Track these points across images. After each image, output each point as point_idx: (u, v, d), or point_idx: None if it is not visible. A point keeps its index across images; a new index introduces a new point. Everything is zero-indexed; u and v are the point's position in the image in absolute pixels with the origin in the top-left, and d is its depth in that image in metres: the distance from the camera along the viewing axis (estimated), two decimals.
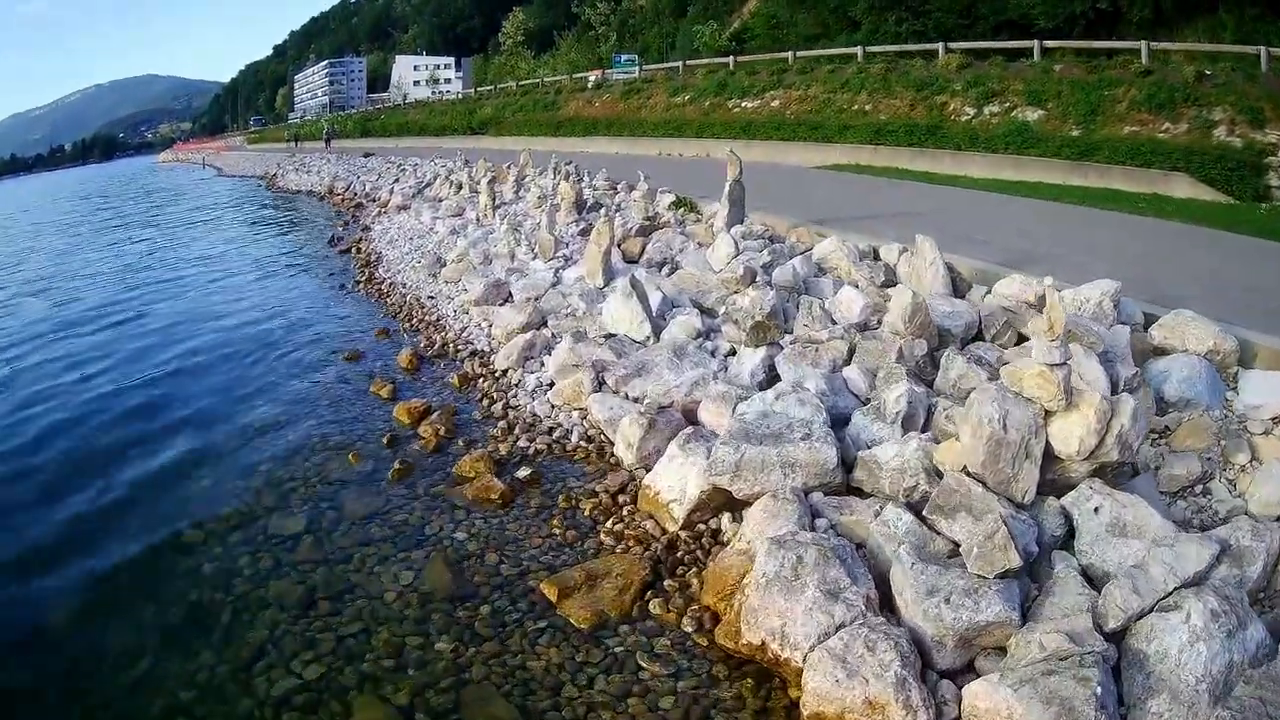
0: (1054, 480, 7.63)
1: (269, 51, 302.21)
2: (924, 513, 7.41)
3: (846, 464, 8.53)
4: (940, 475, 7.75)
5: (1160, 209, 20.23)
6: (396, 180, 43.87)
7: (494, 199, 26.19)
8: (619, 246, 17.38)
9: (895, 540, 7.28)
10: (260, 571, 8.86)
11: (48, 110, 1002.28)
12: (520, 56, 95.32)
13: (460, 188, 32.32)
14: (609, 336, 13.29)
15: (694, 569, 8.19)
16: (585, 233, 20.24)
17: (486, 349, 15.25)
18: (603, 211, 20.97)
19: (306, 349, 17.32)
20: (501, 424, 12.08)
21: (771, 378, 10.84)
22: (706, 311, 13.62)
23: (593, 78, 61.20)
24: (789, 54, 44.57)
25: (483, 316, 16.52)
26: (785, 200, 20.90)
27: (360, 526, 9.70)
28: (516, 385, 13.32)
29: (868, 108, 35.92)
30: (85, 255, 38.02)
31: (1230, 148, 23.57)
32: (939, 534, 7.30)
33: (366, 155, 62.65)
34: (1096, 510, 7.20)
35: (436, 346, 16.05)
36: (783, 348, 11.28)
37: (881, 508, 7.79)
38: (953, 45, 36.33)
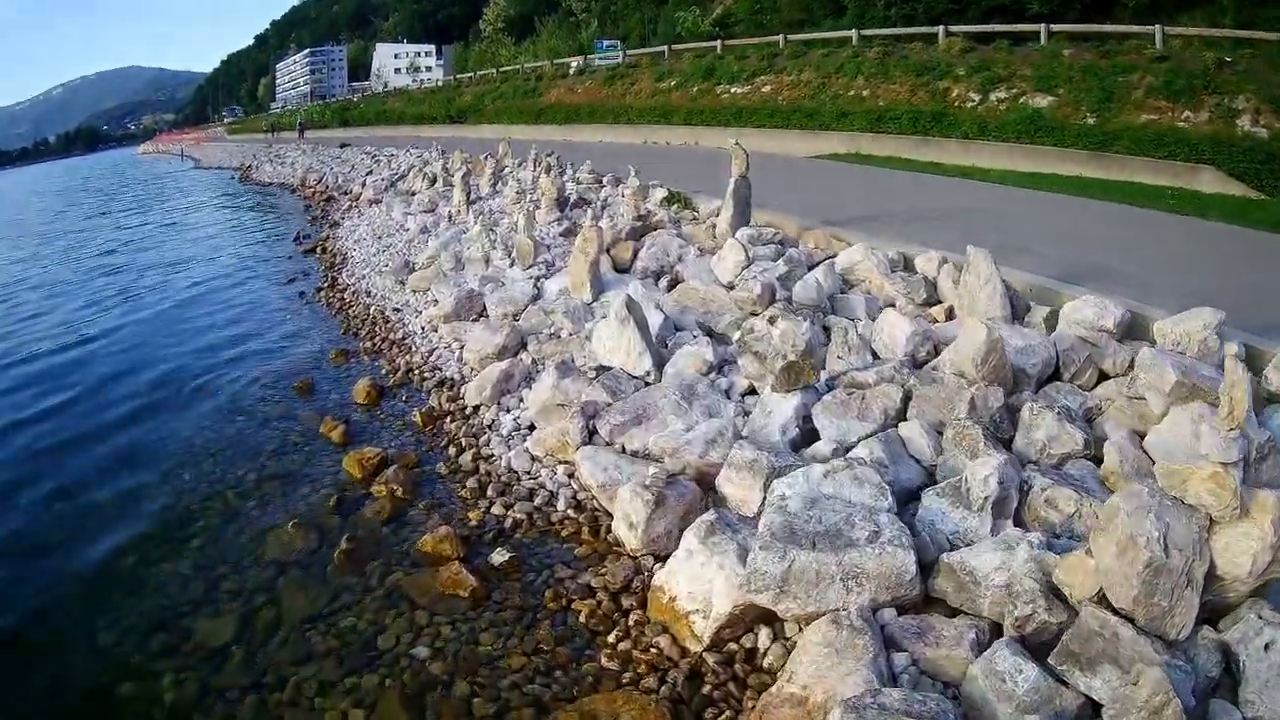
0: (1207, 602, 5.66)
1: (250, 41, 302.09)
2: (1050, 660, 5.43)
3: (923, 565, 6.45)
4: (1061, 596, 5.76)
5: (1195, 206, 18.51)
6: (369, 172, 41.69)
7: (469, 194, 24.09)
8: (608, 252, 15.19)
9: (1013, 701, 5.26)
10: (184, 700, 6.99)
11: (31, 104, 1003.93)
12: (501, 44, 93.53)
13: (434, 181, 30.26)
14: (601, 369, 11.19)
15: (728, 712, 6.18)
16: (569, 234, 18.27)
17: (456, 376, 13.15)
18: (588, 213, 19.10)
19: (254, 379, 15.10)
20: (471, 483, 9.89)
21: (807, 431, 8.81)
22: (717, 337, 11.57)
23: (574, 63, 59.26)
24: (779, 38, 42.43)
25: (453, 335, 14.41)
26: (788, 195, 18.93)
27: (300, 635, 7.61)
28: (490, 428, 11.20)
29: (865, 93, 33.74)
30: (41, 263, 35.74)
31: (1256, 139, 21.74)
32: (1069, 686, 5.31)
33: (342, 146, 60.36)
34: (1268, 648, 5.37)
35: (399, 373, 13.93)
36: (819, 392, 9.24)
37: (978, 634, 5.87)
38: (954, 29, 34.17)
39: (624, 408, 9.77)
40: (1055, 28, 30.67)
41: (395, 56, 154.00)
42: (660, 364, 10.77)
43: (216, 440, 12.47)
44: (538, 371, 11.99)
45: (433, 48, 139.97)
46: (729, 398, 9.90)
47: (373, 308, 17.80)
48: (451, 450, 10.81)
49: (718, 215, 16.88)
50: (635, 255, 15.33)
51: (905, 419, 8.65)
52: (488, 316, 14.51)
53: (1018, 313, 10.78)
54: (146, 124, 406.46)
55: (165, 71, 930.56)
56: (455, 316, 14.82)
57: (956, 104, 29.77)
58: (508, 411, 11.37)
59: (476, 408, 11.72)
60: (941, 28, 34.18)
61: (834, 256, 13.69)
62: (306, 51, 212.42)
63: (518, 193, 22.43)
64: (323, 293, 20.68)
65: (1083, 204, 18.62)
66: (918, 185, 21.60)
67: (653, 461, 8.85)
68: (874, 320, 11.10)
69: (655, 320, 11.60)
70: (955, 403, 8.41)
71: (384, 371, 14.25)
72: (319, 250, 26.62)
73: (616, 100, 48.22)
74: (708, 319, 11.88)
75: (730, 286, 12.98)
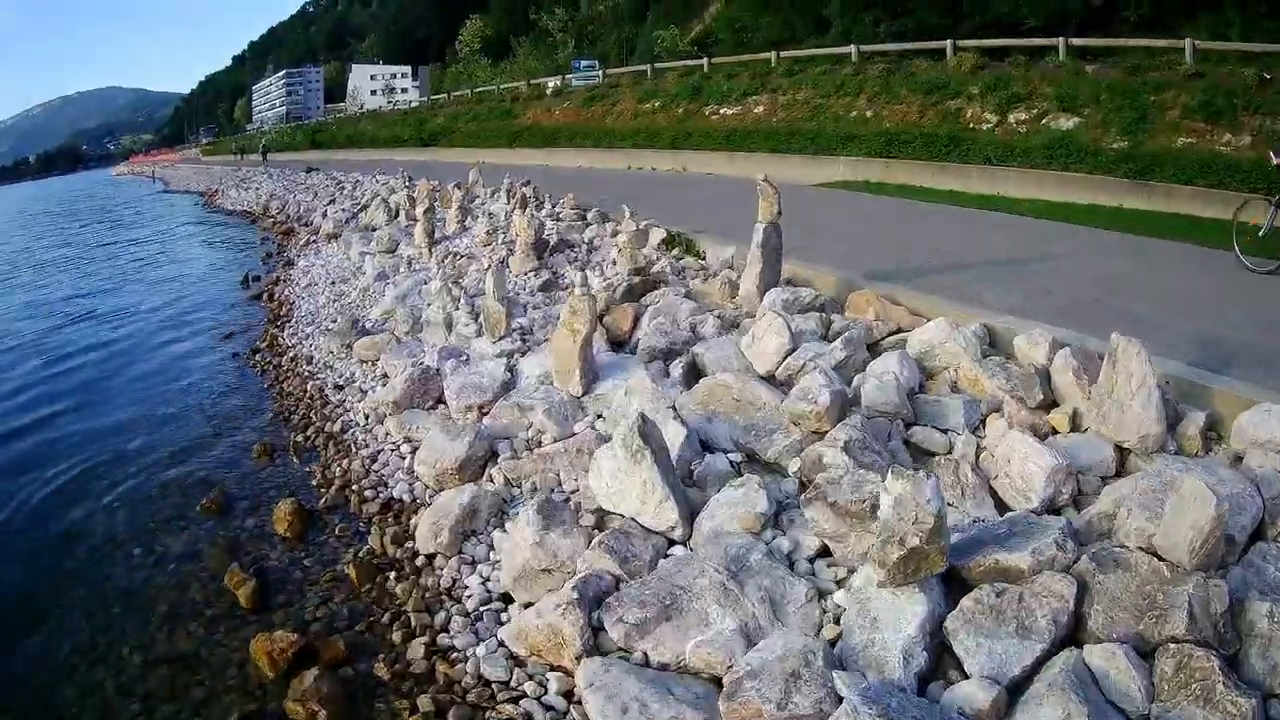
0: None
1: (229, 62, 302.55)
2: None
3: None
4: None
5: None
6: (331, 201, 38.39)
7: (432, 232, 20.94)
8: (601, 320, 11.94)
9: None
10: None
11: (11, 123, 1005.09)
12: (478, 64, 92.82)
13: (395, 214, 27.04)
14: (602, 514, 8.02)
15: None
16: (548, 287, 15.33)
17: (405, 497, 9.90)
18: (572, 263, 16.04)
19: (157, 488, 11.79)
20: (425, 702, 6.53)
21: (938, 651, 5.73)
22: (767, 466, 8.42)
23: (552, 84, 56.83)
24: (771, 54, 39.62)
25: (402, 433, 11.13)
26: (807, 236, 15.85)
27: None
28: (449, 595, 7.96)
29: (869, 114, 30.97)
30: None
31: None
32: None
33: (309, 170, 56.94)
34: None
35: (333, 488, 10.61)
36: (944, 588, 6.10)
37: None
38: (963, 44, 31.29)
39: (643, 594, 6.53)
40: (1075, 42, 28.02)
41: (371, 78, 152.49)
42: (690, 514, 7.55)
43: (91, 598, 9.16)
44: (512, 504, 8.90)
45: (409, 69, 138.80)
46: (793, 571, 6.76)
47: (311, 383, 14.53)
48: (397, 635, 7.54)
49: (730, 267, 14.09)
50: (636, 323, 12.15)
51: (1082, 625, 5.69)
52: (447, 406, 11.33)
53: (1169, 421, 7.91)
54: (126, 144, 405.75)
55: (145, 92, 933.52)
56: (407, 403, 11.63)
57: (971, 125, 27.18)
58: (473, 566, 8.20)
59: (431, 558, 8.50)
60: (949, 43, 31.24)
61: (899, 332, 10.75)
62: (283, 73, 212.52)
63: (488, 231, 19.45)
64: (259, 355, 17.52)
65: (1145, 245, 15.89)
66: (951, 221, 18.77)
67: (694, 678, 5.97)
68: (972, 432, 8.35)
69: (675, 436, 8.44)
70: (1160, 604, 5.53)
71: (315, 483, 11.02)
72: (266, 297, 23.46)
73: (597, 122, 45.39)
74: (750, 438, 8.60)
75: (771, 378, 9.90)
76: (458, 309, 13.89)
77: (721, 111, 38.03)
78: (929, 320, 10.64)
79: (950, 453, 8.24)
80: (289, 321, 19.41)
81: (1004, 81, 27.40)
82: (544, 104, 53.20)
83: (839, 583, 6.66)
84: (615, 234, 18.12)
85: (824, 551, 6.97)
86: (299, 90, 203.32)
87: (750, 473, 8.18)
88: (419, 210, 21.32)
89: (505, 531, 8.34)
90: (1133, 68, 25.13)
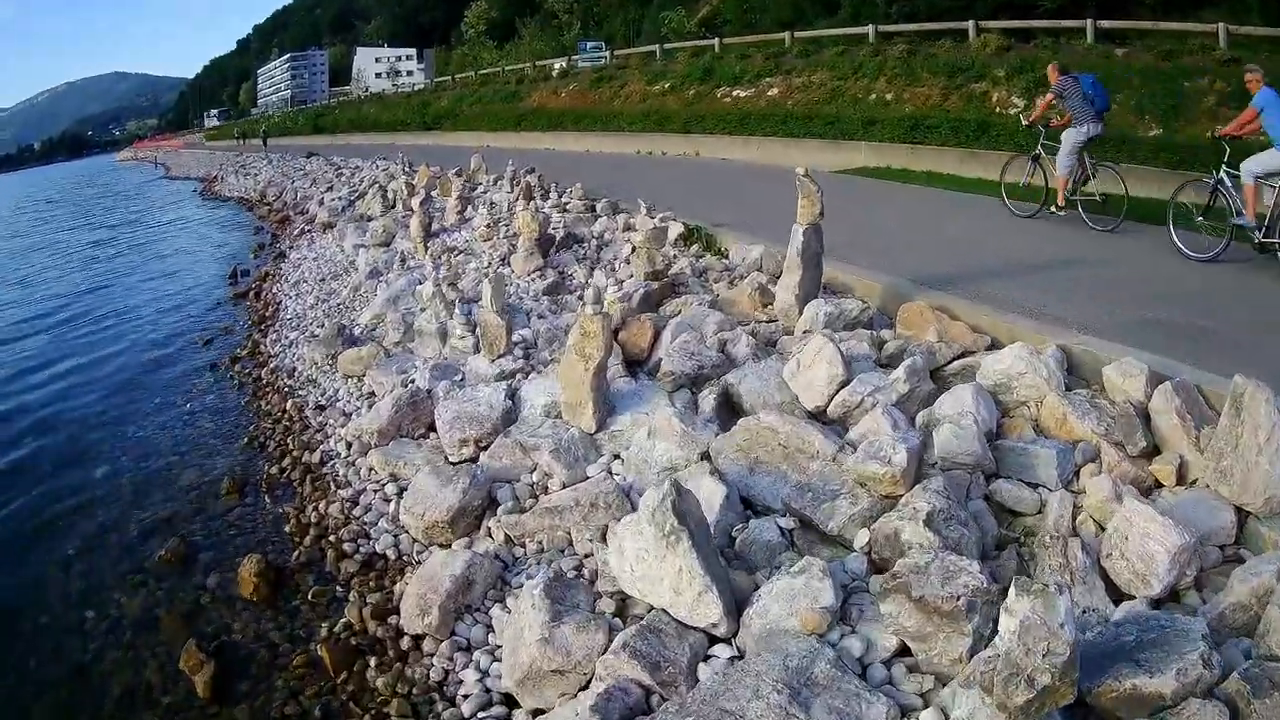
0: None
1: (233, 46, 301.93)
2: None
3: None
4: None
5: None
6: (329, 188, 36.85)
7: (428, 225, 19.35)
8: (616, 336, 10.37)
9: None
10: None
11: (15, 111, 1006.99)
12: (483, 46, 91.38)
13: (392, 204, 25.42)
14: (624, 599, 6.55)
15: None
16: (554, 290, 13.85)
17: (389, 553, 8.42)
18: (580, 261, 14.60)
19: (113, 534, 10.37)
20: None
21: None
22: (826, 537, 6.87)
23: (558, 65, 55.10)
24: (785, 35, 38.02)
25: (387, 470, 9.64)
26: (837, 231, 13.93)
27: None
28: (440, 696, 6.47)
29: (888, 97, 29.51)
30: None
31: None
32: None
33: (309, 156, 55.46)
34: None
35: (308, 538, 9.10)
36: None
37: None
38: (985, 24, 29.92)
39: (683, 712, 4.99)
40: (1103, 25, 26.73)
41: (376, 60, 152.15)
42: (736, 604, 6.00)
43: (42, 676, 7.84)
44: (514, 569, 7.52)
45: (414, 51, 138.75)
46: (866, 674, 5.35)
47: (291, 401, 12.96)
48: None
49: (759, 269, 12.71)
50: (656, 339, 10.57)
51: None
52: (438, 436, 9.83)
53: None
54: (131, 129, 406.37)
55: (149, 77, 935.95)
56: (393, 432, 10.16)
57: (997, 109, 25.79)
58: (469, 654, 6.73)
59: (418, 639, 7.01)
60: (972, 23, 29.96)
61: (963, 356, 9.29)
62: (287, 56, 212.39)
63: (489, 225, 17.89)
64: (239, 366, 15.99)
65: None
66: (991, 215, 17.18)
67: None
68: (1066, 487, 7.04)
69: (712, 496, 7.00)
70: None
71: (289, 529, 9.50)
72: (252, 295, 21.98)
73: (605, 105, 43.92)
74: (806, 502, 7.01)
75: (820, 413, 8.47)
76: (453, 317, 12.37)
77: (734, 93, 36.50)
78: (989, 336, 9.50)
79: (1041, 512, 6.91)
80: (274, 325, 17.92)
81: (1030, 64, 26.03)
82: (550, 86, 51.64)
83: (924, 696, 5.21)
84: (628, 228, 16.66)
85: (901, 649, 5.52)
86: (304, 74, 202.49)
87: (804, 539, 6.84)
88: (414, 201, 19.79)
89: (506, 608, 6.91)
90: (1165, 53, 24.05)
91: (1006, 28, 29.08)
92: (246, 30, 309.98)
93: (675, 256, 14.29)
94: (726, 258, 14.31)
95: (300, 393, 13.18)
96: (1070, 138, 15.92)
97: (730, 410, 8.86)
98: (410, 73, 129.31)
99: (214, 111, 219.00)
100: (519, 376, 10.64)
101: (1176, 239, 13.44)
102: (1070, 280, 11.46)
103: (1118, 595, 5.97)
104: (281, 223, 35.02)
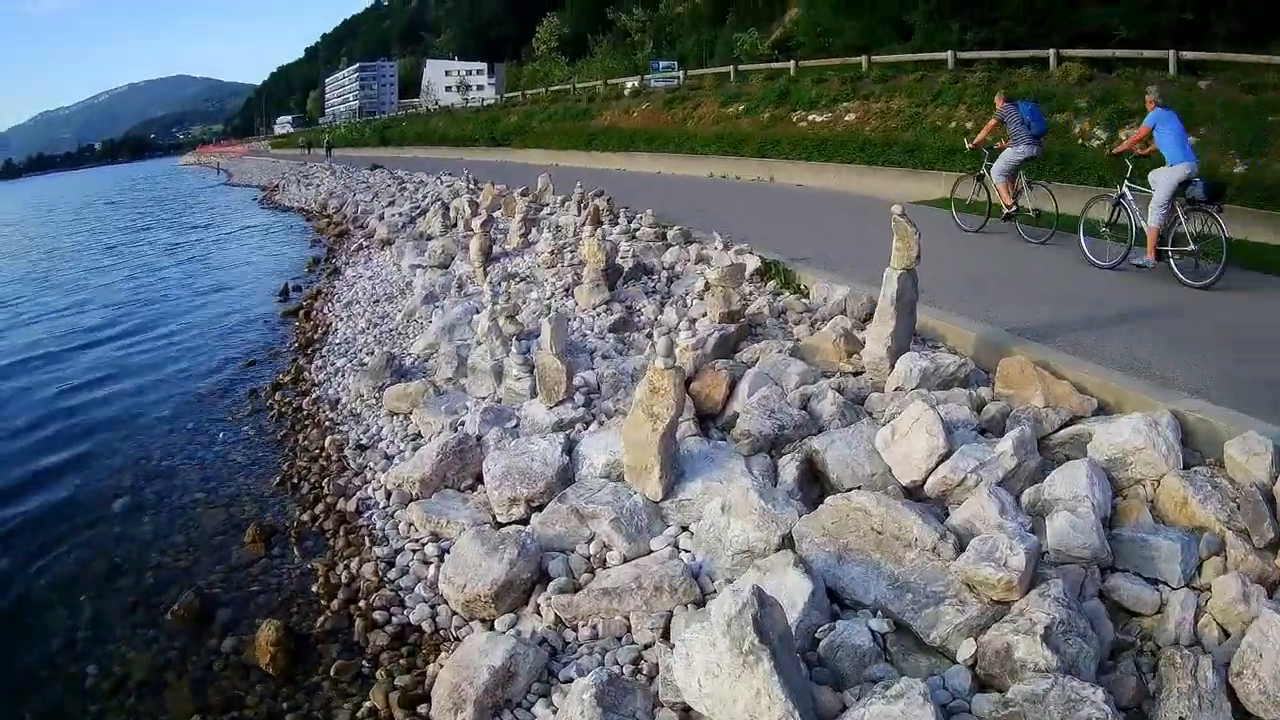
0: None
1: (300, 54, 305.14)
2: None
3: None
4: None
5: None
6: (391, 203, 36.01)
7: (488, 250, 18.38)
8: (688, 387, 9.33)
9: None
10: None
11: (77, 109, 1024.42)
12: (554, 63, 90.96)
13: (454, 223, 24.46)
14: (688, 711, 5.57)
15: None
16: (621, 327, 12.84)
17: (426, 625, 7.46)
18: (649, 296, 13.59)
19: (127, 581, 9.48)
20: None
21: None
22: (924, 645, 5.93)
23: (630, 84, 54.28)
24: (862, 59, 37.05)
25: (429, 529, 8.66)
26: (925, 270, 13.04)
27: None
28: None
29: (969, 125, 27.97)
30: None
31: None
32: None
33: (373, 168, 54.79)
34: None
35: (335, 601, 8.15)
36: None
37: None
38: (1066, 53, 28.95)
39: None
40: (1186, 56, 25.69)
41: (446, 74, 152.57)
42: None
43: None
44: (564, 655, 6.60)
45: (484, 65, 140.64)
46: None
47: (331, 437, 11.93)
48: None
49: (843, 312, 11.63)
50: (731, 392, 9.50)
51: None
52: (485, 488, 8.88)
53: None
54: (196, 134, 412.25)
55: (215, 82, 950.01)
56: (437, 482, 9.21)
57: (1079, 141, 24.68)
58: None
59: None
60: (1053, 51, 29.04)
61: (1073, 422, 8.22)
62: (356, 66, 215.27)
63: (553, 251, 16.88)
64: (280, 393, 15.00)
65: None
66: (1078, 257, 15.68)
67: None
68: (1189, 584, 6.20)
69: (796, 593, 5.97)
70: None
71: (315, 588, 8.55)
72: (302, 314, 21.09)
73: (677, 126, 42.72)
74: (904, 605, 5.99)
75: (916, 488, 7.47)
76: (509, 355, 11.32)
77: (810, 118, 35.34)
78: (1095, 398, 8.46)
79: (1160, 613, 6.02)
80: (320, 349, 16.98)
81: (1113, 95, 25.15)
82: (622, 105, 50.57)
83: None
84: (700, 259, 15.64)
85: None
86: (372, 84, 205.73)
87: (898, 645, 5.87)
88: (476, 222, 18.78)
89: (551, 706, 5.95)
90: (1249, 85, 23.07)
91: (1089, 56, 28.22)
92: (315, 39, 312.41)
93: (752, 295, 13.26)
94: (806, 297, 13.26)
95: (341, 428, 12.22)
96: (1007, 156, 17.76)
97: (813, 479, 7.83)
98: (480, 87, 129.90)
99: (286, 118, 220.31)
100: (578, 427, 9.63)
101: (1085, 248, 15.26)
102: (1169, 333, 10.59)
103: (1244, 717, 5.24)
104: (340, 236, 34.30)
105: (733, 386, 9.45)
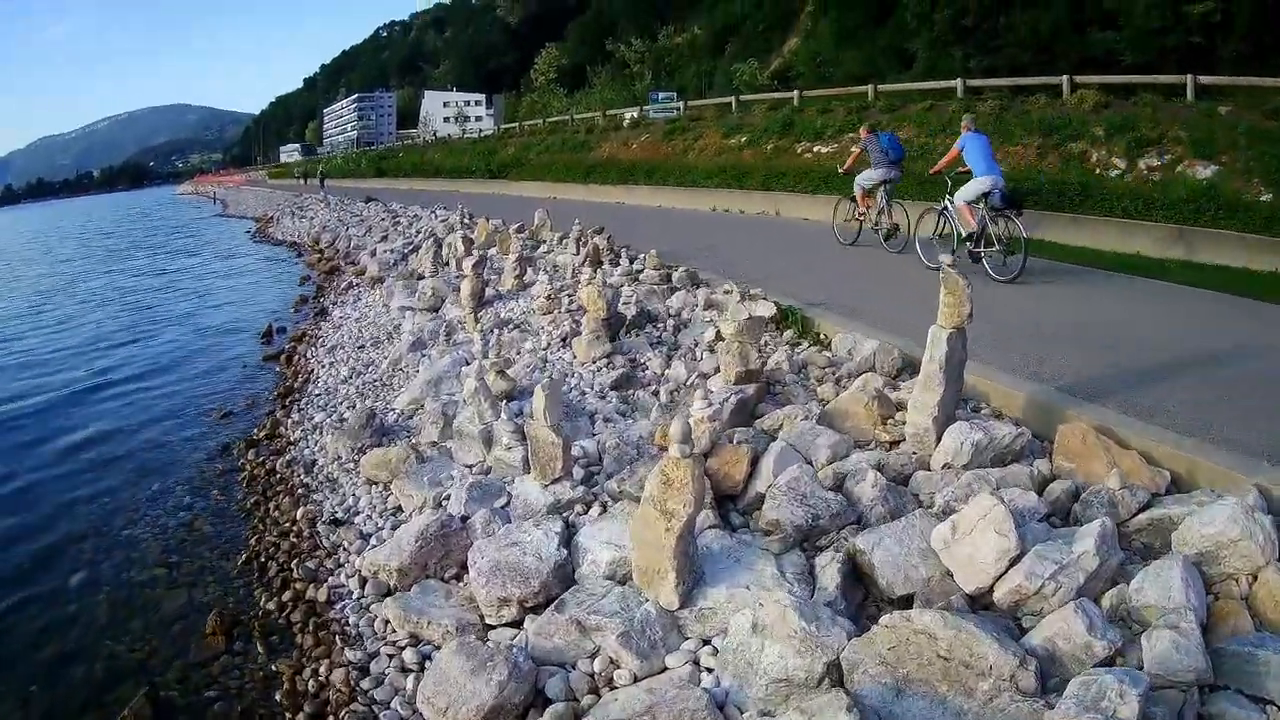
0: None
1: (299, 84, 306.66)
2: None
3: None
4: None
5: None
6: (384, 238, 34.93)
7: (480, 293, 17.27)
8: (706, 462, 8.12)
9: None
10: None
11: (78, 135, 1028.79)
12: (553, 94, 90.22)
13: (446, 261, 23.30)
14: None
15: None
16: (624, 384, 11.69)
17: None
18: (654, 347, 12.48)
19: (69, 680, 8.31)
20: None
21: None
22: None
23: (629, 115, 53.00)
24: (868, 87, 35.99)
25: (407, 628, 7.46)
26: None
27: None
28: None
29: None
30: None
31: None
32: None
33: (367, 200, 53.91)
34: None
35: (302, 718, 6.95)
36: None
37: None
38: (1080, 79, 28.00)
39: None
40: (1204, 80, 24.81)
41: (444, 105, 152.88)
42: None
43: None
44: None
45: (482, 96, 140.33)
46: None
47: (304, 508, 10.74)
48: None
49: (873, 368, 10.51)
50: (753, 469, 8.28)
51: None
52: (470, 580, 7.67)
53: None
54: (195, 162, 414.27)
55: (214, 110, 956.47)
56: (417, 572, 8.07)
57: (1097, 171, 23.69)
58: None
59: None
60: (1065, 78, 28.11)
61: (1149, 504, 7.06)
62: (354, 96, 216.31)
63: (549, 296, 15.67)
64: (254, 451, 13.77)
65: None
66: (1124, 297, 14.81)
67: None
68: None
69: None
70: None
71: (278, 697, 7.37)
72: (284, 359, 19.85)
73: (677, 158, 41.47)
74: None
75: (984, 596, 6.29)
76: (499, 418, 10.15)
77: (815, 149, 34.23)
78: (1167, 470, 7.39)
79: None
80: (300, 399, 15.81)
81: (1131, 122, 24.12)
82: (621, 136, 49.40)
83: None
84: (710, 305, 14.49)
85: None
86: (370, 115, 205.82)
87: None
88: (468, 263, 17.58)
89: None
90: (1272, 110, 22.02)
91: (1104, 83, 27.31)
92: (314, 69, 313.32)
93: (768, 346, 12.10)
94: (828, 348, 12.11)
95: (315, 497, 11.02)
96: (868, 176, 20.29)
97: (856, 579, 6.67)
98: (479, 118, 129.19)
99: (294, 146, 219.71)
100: (577, 509, 8.43)
101: (920, 253, 17.98)
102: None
103: None
104: (329, 273, 33.07)
105: (755, 463, 8.23)
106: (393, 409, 13.12)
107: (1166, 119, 23.65)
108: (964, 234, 16.85)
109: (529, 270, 19.25)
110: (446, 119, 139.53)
